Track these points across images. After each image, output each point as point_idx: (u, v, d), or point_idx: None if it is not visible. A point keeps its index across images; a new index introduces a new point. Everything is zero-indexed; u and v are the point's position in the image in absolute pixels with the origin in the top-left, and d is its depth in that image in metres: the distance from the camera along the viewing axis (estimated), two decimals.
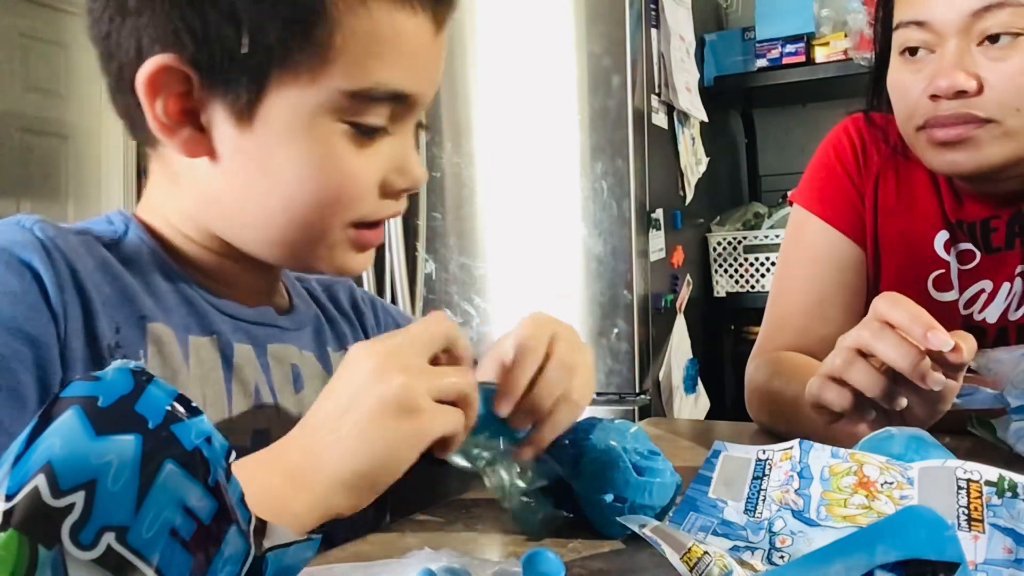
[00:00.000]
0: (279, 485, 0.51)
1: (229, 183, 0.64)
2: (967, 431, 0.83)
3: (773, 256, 2.38)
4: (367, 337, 0.82)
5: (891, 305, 0.71)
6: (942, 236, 1.04)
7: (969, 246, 1.03)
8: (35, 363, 0.56)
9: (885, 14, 1.01)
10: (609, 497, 0.59)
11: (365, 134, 0.63)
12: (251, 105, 0.61)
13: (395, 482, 0.54)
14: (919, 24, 0.93)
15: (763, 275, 2.42)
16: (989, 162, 0.93)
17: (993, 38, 0.89)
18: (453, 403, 0.55)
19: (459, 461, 0.62)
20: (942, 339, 0.67)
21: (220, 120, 0.62)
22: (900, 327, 0.69)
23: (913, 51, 0.95)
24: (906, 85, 0.96)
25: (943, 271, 1.04)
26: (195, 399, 0.56)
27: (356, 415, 0.52)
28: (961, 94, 0.90)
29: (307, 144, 0.61)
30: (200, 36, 0.59)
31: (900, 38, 0.96)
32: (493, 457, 0.62)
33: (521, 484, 0.62)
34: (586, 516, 0.62)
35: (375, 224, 0.67)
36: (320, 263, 0.67)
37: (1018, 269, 1.00)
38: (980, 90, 0.90)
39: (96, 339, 0.59)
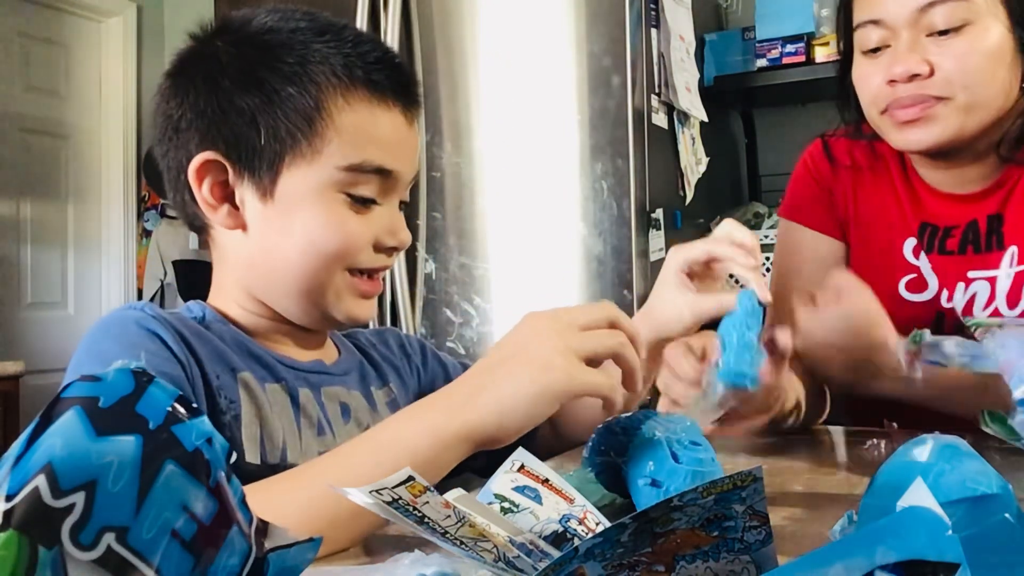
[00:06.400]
0: (441, 420, 0.65)
1: (258, 247, 0.82)
2: (978, 429, 0.83)
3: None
4: (413, 374, 1.00)
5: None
6: (910, 243, 1.15)
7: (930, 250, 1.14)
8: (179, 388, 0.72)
9: (846, 17, 1.12)
10: (646, 480, 0.63)
11: (360, 203, 0.81)
12: (271, 183, 0.80)
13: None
14: (875, 22, 1.05)
15: (763, 275, 2.42)
16: (946, 136, 1.03)
17: (942, 32, 1.01)
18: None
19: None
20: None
21: (249, 197, 0.81)
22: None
23: (874, 50, 1.06)
24: (868, 75, 1.07)
25: (915, 275, 1.14)
26: (276, 431, 0.80)
27: (509, 365, 0.66)
28: (915, 77, 1.02)
29: (315, 210, 0.80)
30: (231, 138, 0.80)
31: (860, 38, 1.08)
32: None
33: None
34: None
35: (371, 275, 0.84)
36: (332, 310, 0.83)
37: (970, 273, 1.10)
38: (932, 72, 1.02)
39: (208, 382, 0.77)
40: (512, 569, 0.43)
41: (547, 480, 0.57)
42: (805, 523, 0.63)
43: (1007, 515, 0.35)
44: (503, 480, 0.57)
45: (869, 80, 1.07)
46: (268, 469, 0.77)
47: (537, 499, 0.56)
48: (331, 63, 0.80)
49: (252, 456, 0.77)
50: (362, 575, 0.49)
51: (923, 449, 0.41)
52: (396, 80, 0.83)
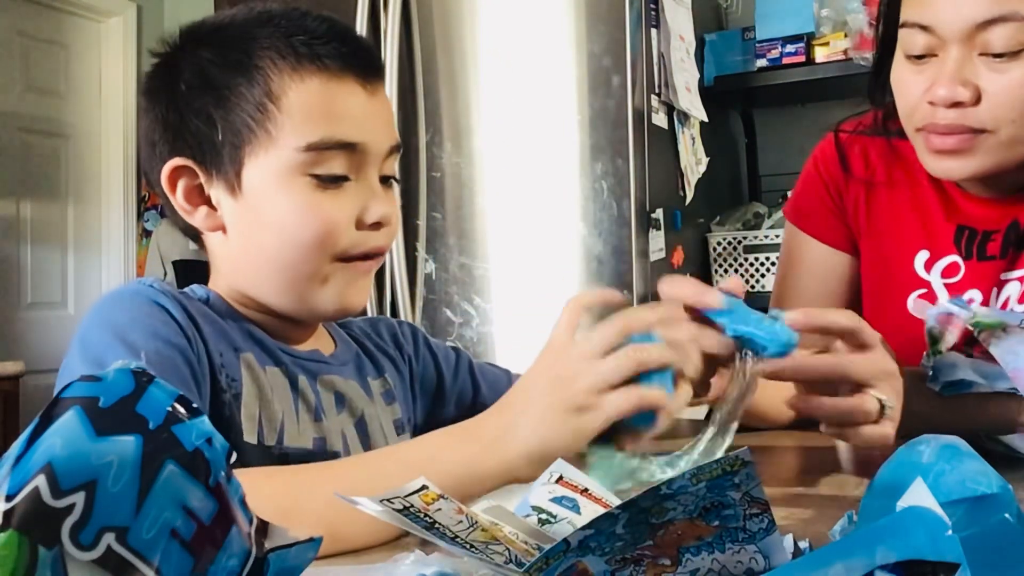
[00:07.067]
0: (476, 452, 0.65)
1: (239, 246, 0.83)
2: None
3: (773, 256, 2.38)
4: (405, 364, 0.98)
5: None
6: (922, 256, 1.07)
7: (955, 258, 1.05)
8: (185, 362, 0.74)
9: (891, 7, 1.01)
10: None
11: (330, 182, 0.79)
12: (237, 177, 0.80)
13: None
14: (924, 28, 0.93)
15: (763, 275, 2.42)
16: (982, 169, 0.95)
17: (997, 54, 0.90)
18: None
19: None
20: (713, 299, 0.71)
21: (222, 197, 0.81)
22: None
23: (918, 56, 0.95)
24: (908, 84, 0.97)
25: (925, 291, 1.06)
26: (275, 412, 0.80)
27: (540, 406, 0.65)
28: (958, 104, 0.92)
29: (284, 197, 0.79)
30: (193, 140, 0.81)
31: (905, 38, 0.96)
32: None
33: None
34: None
35: (364, 258, 0.82)
36: (320, 301, 0.82)
37: (1002, 275, 1.03)
38: (977, 100, 0.91)
39: (211, 359, 0.77)
40: (521, 568, 0.43)
41: (586, 490, 0.57)
42: (805, 523, 0.63)
43: (1007, 515, 0.36)
44: (540, 492, 0.56)
45: (908, 88, 0.97)
46: (264, 450, 0.78)
47: (575, 509, 0.55)
48: (276, 46, 0.80)
49: (250, 436, 0.77)
50: (362, 575, 0.49)
51: (923, 449, 0.41)
52: (346, 52, 0.82)
